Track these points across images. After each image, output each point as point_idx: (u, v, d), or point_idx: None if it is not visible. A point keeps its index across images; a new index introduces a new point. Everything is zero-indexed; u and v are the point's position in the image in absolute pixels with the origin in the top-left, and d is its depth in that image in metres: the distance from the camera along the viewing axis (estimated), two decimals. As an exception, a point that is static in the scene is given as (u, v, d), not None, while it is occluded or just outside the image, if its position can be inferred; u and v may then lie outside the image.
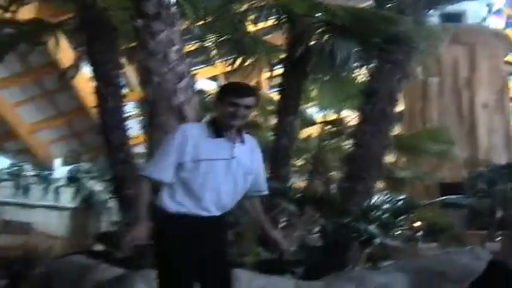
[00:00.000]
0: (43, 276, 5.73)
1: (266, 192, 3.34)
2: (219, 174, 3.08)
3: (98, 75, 6.69)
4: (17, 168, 10.46)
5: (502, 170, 14.97)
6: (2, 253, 8.47)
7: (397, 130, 15.10)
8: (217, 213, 3.11)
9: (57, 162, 14.23)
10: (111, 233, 6.91)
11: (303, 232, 5.51)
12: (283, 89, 7.75)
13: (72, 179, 10.59)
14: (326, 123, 11.18)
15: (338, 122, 11.01)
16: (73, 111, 15.29)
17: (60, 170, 11.88)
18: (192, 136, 3.09)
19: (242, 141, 3.17)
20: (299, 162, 11.68)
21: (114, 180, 6.65)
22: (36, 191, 10.53)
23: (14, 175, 10.31)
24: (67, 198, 11.13)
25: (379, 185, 12.17)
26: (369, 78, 7.15)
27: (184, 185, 3.08)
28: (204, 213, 3.06)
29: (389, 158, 12.66)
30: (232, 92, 3.12)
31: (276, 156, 7.29)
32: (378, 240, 4.67)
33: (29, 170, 10.58)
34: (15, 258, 7.81)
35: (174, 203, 3.08)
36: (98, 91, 6.66)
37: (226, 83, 5.35)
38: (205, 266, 3.10)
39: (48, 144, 15.99)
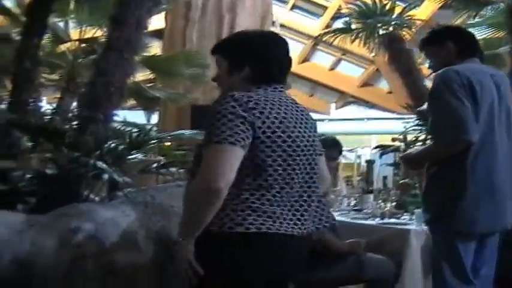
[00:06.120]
0: None
1: None
2: None
3: None
4: None
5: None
6: None
7: (156, 48, 15.14)
8: None
9: None
10: None
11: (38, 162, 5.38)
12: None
13: None
14: (81, 40, 10.80)
15: (93, 40, 10.70)
16: None
17: None
18: None
19: None
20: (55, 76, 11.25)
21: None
22: None
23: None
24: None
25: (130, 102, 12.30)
26: (118, 5, 7.01)
27: None
28: None
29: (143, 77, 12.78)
30: None
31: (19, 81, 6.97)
32: (106, 176, 4.74)
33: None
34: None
35: None
36: None
37: None
38: None
39: None
